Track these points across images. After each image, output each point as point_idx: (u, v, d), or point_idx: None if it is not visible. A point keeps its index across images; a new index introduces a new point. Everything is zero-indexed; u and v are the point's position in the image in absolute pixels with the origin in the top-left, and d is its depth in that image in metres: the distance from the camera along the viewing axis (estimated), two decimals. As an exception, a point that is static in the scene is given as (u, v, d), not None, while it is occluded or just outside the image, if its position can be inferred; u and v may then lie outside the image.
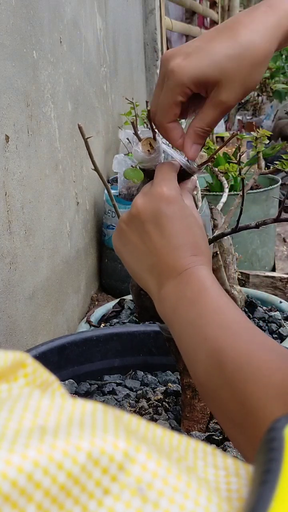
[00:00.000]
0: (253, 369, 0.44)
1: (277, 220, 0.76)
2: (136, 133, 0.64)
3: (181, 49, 0.56)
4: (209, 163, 0.67)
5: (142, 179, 0.65)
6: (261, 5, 0.55)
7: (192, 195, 0.63)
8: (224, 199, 1.08)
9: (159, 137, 0.63)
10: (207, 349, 0.48)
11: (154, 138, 0.63)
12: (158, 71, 3.29)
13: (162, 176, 0.59)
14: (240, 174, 0.85)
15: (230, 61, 0.53)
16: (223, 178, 1.13)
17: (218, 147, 0.70)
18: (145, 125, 1.12)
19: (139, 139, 0.64)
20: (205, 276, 0.54)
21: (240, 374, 0.45)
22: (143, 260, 0.58)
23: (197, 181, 0.73)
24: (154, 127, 0.62)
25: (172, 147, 0.64)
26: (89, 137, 0.74)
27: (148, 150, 0.63)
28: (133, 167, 0.65)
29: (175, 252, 0.55)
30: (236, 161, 0.89)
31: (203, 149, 0.66)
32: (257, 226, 0.74)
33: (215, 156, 0.67)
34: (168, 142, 0.63)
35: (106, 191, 2.05)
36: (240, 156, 0.88)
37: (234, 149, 2.22)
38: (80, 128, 0.72)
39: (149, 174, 0.65)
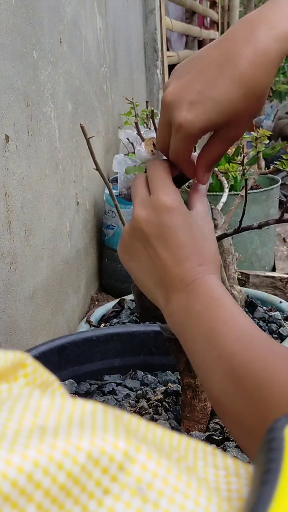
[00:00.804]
0: (273, 385, 0.43)
1: (280, 221, 0.76)
2: (139, 133, 0.64)
3: (182, 92, 0.54)
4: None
5: None
6: (260, 23, 0.51)
7: (205, 198, 0.62)
8: (224, 199, 1.08)
9: None
10: (221, 365, 0.47)
11: None
12: (158, 71, 3.29)
13: (159, 182, 0.57)
14: (244, 174, 0.85)
15: (237, 104, 0.52)
16: (223, 178, 1.13)
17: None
18: (145, 125, 1.12)
19: (142, 139, 0.64)
20: (213, 287, 0.52)
21: (260, 390, 0.43)
22: (150, 274, 0.57)
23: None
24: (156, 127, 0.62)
25: None
26: (91, 137, 0.74)
27: (151, 150, 0.63)
28: (135, 167, 0.65)
29: (181, 264, 0.54)
30: (239, 162, 0.89)
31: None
32: (259, 227, 0.73)
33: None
34: None
35: (106, 191, 2.05)
36: (244, 156, 0.88)
37: (234, 149, 2.22)
38: (82, 128, 0.72)
39: None
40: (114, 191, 2.28)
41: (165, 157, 0.63)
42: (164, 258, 0.55)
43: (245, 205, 0.67)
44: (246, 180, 0.73)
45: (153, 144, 0.63)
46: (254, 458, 0.45)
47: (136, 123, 0.65)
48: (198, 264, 0.54)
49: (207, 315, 0.50)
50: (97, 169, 0.79)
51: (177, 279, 0.54)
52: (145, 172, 0.65)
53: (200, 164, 0.59)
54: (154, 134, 0.63)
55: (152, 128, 0.64)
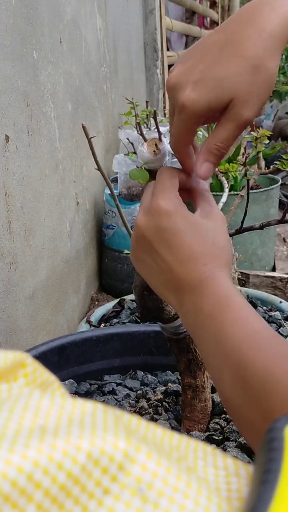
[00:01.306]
0: (279, 386, 0.42)
1: (282, 221, 0.76)
2: (141, 134, 0.64)
3: (185, 74, 0.53)
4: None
5: (147, 179, 0.65)
6: (263, 6, 0.51)
7: (208, 194, 0.60)
8: (224, 199, 1.08)
9: (165, 138, 0.63)
10: (230, 367, 0.47)
11: (160, 139, 0.63)
12: (158, 71, 3.29)
13: (160, 187, 0.57)
14: (246, 175, 0.85)
15: (242, 80, 0.51)
16: (223, 178, 1.13)
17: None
18: (145, 125, 1.11)
19: (145, 140, 0.63)
20: (220, 286, 0.52)
21: (267, 391, 0.43)
22: (158, 278, 0.57)
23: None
24: (159, 127, 0.62)
25: None
26: (93, 137, 0.74)
27: (154, 151, 0.63)
28: (138, 167, 0.65)
29: (185, 265, 0.54)
30: (242, 163, 0.88)
31: None
32: (261, 227, 0.73)
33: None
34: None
35: (106, 191, 2.05)
36: (246, 157, 0.88)
37: (234, 150, 2.22)
38: (84, 128, 0.72)
39: (154, 175, 0.65)
40: (114, 191, 2.27)
41: (167, 158, 0.62)
42: (168, 261, 0.55)
43: (247, 206, 0.67)
44: (248, 180, 0.73)
45: (156, 144, 0.63)
46: (254, 458, 0.45)
47: (138, 123, 0.65)
48: (203, 264, 0.53)
49: (215, 316, 0.50)
50: (99, 169, 0.79)
51: (183, 281, 0.54)
52: (149, 173, 0.65)
53: (201, 151, 0.57)
54: (156, 135, 0.63)
55: (153, 128, 0.63)
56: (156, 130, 0.63)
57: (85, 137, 0.74)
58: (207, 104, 0.52)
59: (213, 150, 0.56)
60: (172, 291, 0.55)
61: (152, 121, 0.65)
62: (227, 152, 0.57)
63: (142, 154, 0.63)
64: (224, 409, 0.92)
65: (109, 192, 2.03)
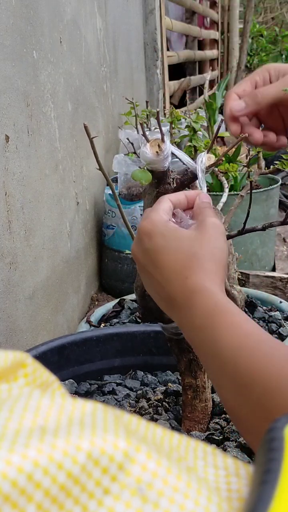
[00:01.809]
0: (280, 386, 0.42)
1: (284, 223, 0.76)
2: (144, 134, 0.63)
3: None
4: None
5: (150, 180, 0.65)
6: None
7: (210, 208, 0.60)
8: (224, 199, 1.08)
9: (167, 139, 0.63)
10: (229, 375, 0.47)
11: (163, 140, 0.63)
12: (158, 71, 3.29)
13: (148, 211, 0.59)
14: (249, 176, 0.85)
15: None
16: (223, 178, 1.13)
17: (219, 147, 0.70)
18: (145, 125, 1.11)
19: (147, 140, 0.63)
20: (207, 297, 0.51)
21: (268, 395, 0.43)
22: (156, 296, 0.58)
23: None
24: (161, 128, 0.62)
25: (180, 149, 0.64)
26: (94, 137, 0.73)
27: (157, 152, 0.63)
28: (140, 168, 0.65)
29: (171, 283, 0.54)
30: (245, 164, 0.88)
31: (210, 151, 0.66)
32: (263, 229, 0.73)
33: (223, 158, 0.67)
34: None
35: (106, 191, 2.05)
36: (250, 158, 0.88)
37: (234, 150, 2.22)
38: (86, 127, 0.72)
39: (157, 175, 0.64)
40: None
41: (170, 159, 0.62)
42: (158, 280, 0.56)
43: (249, 207, 0.67)
44: (251, 182, 0.72)
45: (158, 145, 0.63)
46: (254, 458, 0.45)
47: (141, 124, 0.64)
48: (184, 277, 0.53)
49: (207, 327, 0.50)
50: (100, 169, 0.79)
51: (173, 299, 0.55)
52: (152, 174, 0.64)
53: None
54: (159, 135, 0.63)
55: (154, 128, 0.63)
56: (158, 130, 0.63)
57: (86, 137, 0.74)
58: (282, 70, 0.63)
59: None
60: (169, 307, 0.56)
61: (152, 121, 0.65)
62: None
63: (144, 155, 0.63)
64: (225, 409, 0.92)
65: (109, 192, 2.04)
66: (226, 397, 0.48)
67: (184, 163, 0.65)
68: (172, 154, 0.64)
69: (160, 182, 0.64)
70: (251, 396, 0.44)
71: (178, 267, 0.54)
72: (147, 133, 0.64)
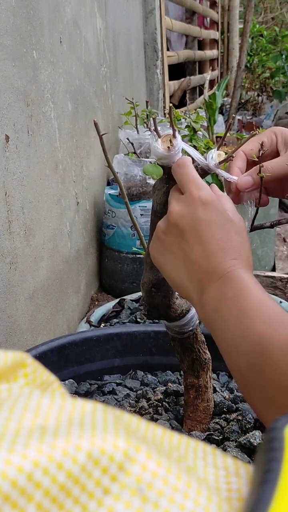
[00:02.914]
0: None
1: None
2: (156, 129, 0.63)
3: None
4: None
5: (161, 175, 0.65)
6: None
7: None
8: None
9: (179, 135, 0.63)
10: (250, 340, 0.49)
11: (174, 135, 0.63)
12: (158, 71, 3.29)
13: (193, 181, 0.59)
14: (260, 172, 0.85)
15: None
16: (223, 178, 1.13)
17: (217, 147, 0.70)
18: (145, 125, 1.12)
19: (159, 135, 0.63)
20: (246, 278, 0.54)
21: (286, 358, 0.45)
22: (183, 268, 0.58)
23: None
24: (174, 124, 0.62)
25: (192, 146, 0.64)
26: (104, 134, 0.73)
27: (168, 147, 0.63)
28: (151, 163, 0.65)
29: (215, 257, 0.55)
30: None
31: (220, 148, 0.66)
32: (271, 226, 0.73)
33: (233, 155, 0.68)
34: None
35: (106, 191, 2.05)
36: (262, 153, 0.87)
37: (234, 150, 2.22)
38: (95, 124, 0.72)
39: (167, 171, 0.64)
40: (113, 191, 2.27)
41: (180, 155, 0.63)
42: (198, 252, 0.56)
43: (259, 203, 0.68)
44: (262, 178, 0.71)
45: (170, 140, 0.63)
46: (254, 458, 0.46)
47: (153, 119, 0.64)
48: (231, 258, 0.55)
49: (239, 300, 0.52)
50: (109, 166, 0.78)
51: (210, 272, 0.55)
52: (163, 170, 0.65)
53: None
54: (170, 131, 0.63)
55: (153, 128, 0.63)
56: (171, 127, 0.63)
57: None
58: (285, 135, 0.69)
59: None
60: (196, 281, 0.57)
61: (152, 121, 0.65)
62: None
63: (156, 150, 0.62)
64: (224, 409, 0.92)
65: (109, 192, 2.04)
66: (239, 360, 0.50)
67: (194, 159, 0.65)
68: (183, 150, 0.64)
69: (170, 177, 0.64)
70: (269, 359, 0.47)
71: (228, 247, 0.56)
72: (147, 133, 0.64)
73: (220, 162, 0.65)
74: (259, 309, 0.51)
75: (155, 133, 0.63)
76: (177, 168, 0.61)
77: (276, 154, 0.69)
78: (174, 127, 0.62)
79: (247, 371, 0.50)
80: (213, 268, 0.55)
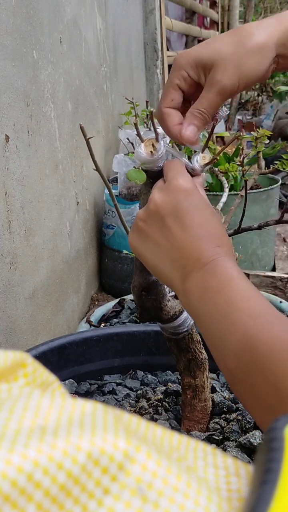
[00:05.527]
0: (286, 353, 0.44)
1: (280, 221, 0.76)
2: (138, 134, 0.63)
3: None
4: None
5: (144, 180, 0.65)
6: (270, 17, 0.60)
7: (203, 190, 0.63)
8: (224, 199, 1.08)
9: (162, 139, 0.63)
10: (237, 335, 0.48)
11: (157, 140, 0.63)
12: (158, 71, 3.29)
13: (175, 171, 0.59)
14: (243, 175, 0.85)
15: (226, 46, 0.57)
16: (223, 178, 1.13)
17: (218, 147, 0.70)
18: (145, 125, 1.12)
19: (142, 140, 0.63)
20: (231, 267, 0.53)
21: (273, 357, 0.44)
22: (165, 256, 0.57)
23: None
24: (156, 128, 0.62)
25: (173, 147, 0.64)
26: (91, 137, 0.73)
27: (151, 151, 0.63)
28: (135, 168, 0.65)
29: (198, 243, 0.54)
30: (239, 163, 0.88)
31: (205, 150, 0.66)
32: (259, 228, 0.73)
33: (217, 157, 0.67)
34: (170, 145, 0.63)
35: (106, 191, 2.05)
36: (243, 158, 0.88)
37: (234, 149, 2.22)
38: (81, 128, 0.72)
39: (151, 175, 0.64)
40: (114, 191, 2.27)
41: (164, 159, 0.63)
42: (180, 238, 0.55)
43: (244, 206, 0.67)
44: (246, 181, 0.73)
45: (153, 145, 0.63)
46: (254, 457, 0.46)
47: (135, 124, 0.64)
48: (215, 245, 0.54)
49: (224, 291, 0.51)
50: (97, 169, 0.79)
51: (194, 259, 0.54)
52: (146, 174, 0.65)
53: (186, 116, 0.61)
54: (153, 135, 0.63)
55: (153, 128, 0.63)
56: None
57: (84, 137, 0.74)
58: (192, 56, 0.59)
59: (195, 113, 0.60)
60: (179, 269, 0.56)
61: (135, 127, 0.65)
62: (210, 119, 0.61)
63: (139, 154, 0.63)
64: (224, 409, 0.92)
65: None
66: (227, 355, 0.49)
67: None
68: (169, 154, 0.64)
69: (155, 182, 0.64)
70: (256, 356, 0.45)
71: (211, 234, 0.55)
72: (144, 133, 0.64)
73: (205, 165, 0.65)
74: (247, 301, 0.49)
75: (138, 138, 0.63)
76: (165, 165, 0.62)
77: (198, 85, 0.63)
78: (156, 131, 0.62)
79: (234, 367, 0.48)
80: (197, 255, 0.54)
